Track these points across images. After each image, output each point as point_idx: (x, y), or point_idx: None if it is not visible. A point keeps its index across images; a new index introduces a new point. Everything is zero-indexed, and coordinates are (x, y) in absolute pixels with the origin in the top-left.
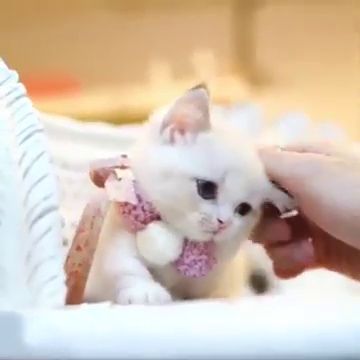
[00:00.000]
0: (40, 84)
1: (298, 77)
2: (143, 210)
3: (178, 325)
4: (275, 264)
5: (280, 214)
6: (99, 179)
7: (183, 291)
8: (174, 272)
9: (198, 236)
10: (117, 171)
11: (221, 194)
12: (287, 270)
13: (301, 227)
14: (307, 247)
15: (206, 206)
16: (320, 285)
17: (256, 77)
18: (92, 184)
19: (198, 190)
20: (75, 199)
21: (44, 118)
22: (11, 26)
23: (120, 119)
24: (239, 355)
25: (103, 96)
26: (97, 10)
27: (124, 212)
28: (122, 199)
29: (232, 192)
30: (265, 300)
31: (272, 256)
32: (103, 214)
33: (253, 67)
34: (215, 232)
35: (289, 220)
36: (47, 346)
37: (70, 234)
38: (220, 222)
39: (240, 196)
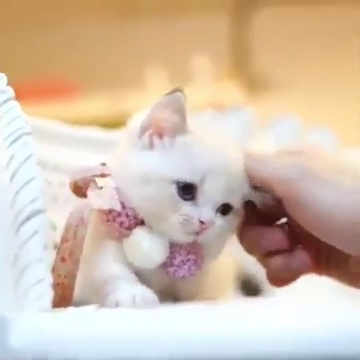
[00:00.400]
0: (38, 88)
1: (295, 82)
2: (127, 216)
3: (163, 327)
4: (270, 273)
5: (274, 222)
6: (79, 189)
7: (171, 293)
8: (162, 275)
9: (181, 238)
10: (97, 180)
11: (201, 195)
12: (282, 278)
13: (290, 233)
14: (303, 255)
15: (187, 208)
16: (313, 288)
17: (253, 82)
18: None
19: (178, 192)
20: (67, 203)
21: (36, 122)
22: (10, 31)
23: (117, 123)
24: (224, 357)
25: (100, 100)
26: (95, 15)
27: (108, 220)
28: (106, 207)
29: (212, 193)
30: (251, 302)
31: (266, 266)
32: (86, 223)
33: (250, 72)
34: (197, 233)
35: (283, 228)
36: (32, 348)
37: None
38: (201, 223)
39: (220, 197)
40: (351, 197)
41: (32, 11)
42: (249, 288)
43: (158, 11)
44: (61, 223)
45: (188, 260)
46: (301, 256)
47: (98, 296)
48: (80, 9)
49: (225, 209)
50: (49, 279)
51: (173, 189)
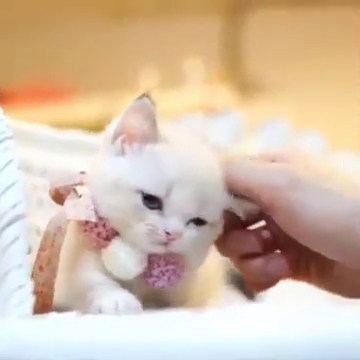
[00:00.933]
0: (33, 91)
1: (287, 85)
2: (104, 227)
3: (143, 335)
4: (246, 277)
5: (247, 225)
6: (59, 197)
7: (157, 300)
8: (143, 284)
9: (149, 248)
10: (78, 188)
11: (167, 207)
12: (260, 283)
13: (269, 238)
14: (280, 260)
15: (153, 217)
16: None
17: (245, 85)
18: None
19: (143, 201)
20: (52, 207)
21: (23, 126)
22: (5, 34)
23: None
24: None
25: (95, 103)
26: (89, 18)
27: (86, 230)
28: (81, 218)
29: (179, 205)
30: (234, 309)
31: (242, 269)
32: (63, 232)
33: (242, 75)
34: (165, 244)
35: (257, 231)
36: (11, 355)
37: None
38: (168, 234)
39: (189, 209)
40: (340, 205)
41: (27, 14)
42: (248, 290)
43: (151, 14)
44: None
45: (167, 271)
46: (278, 261)
47: (82, 302)
48: (74, 12)
49: (199, 220)
50: (30, 285)
51: (138, 198)
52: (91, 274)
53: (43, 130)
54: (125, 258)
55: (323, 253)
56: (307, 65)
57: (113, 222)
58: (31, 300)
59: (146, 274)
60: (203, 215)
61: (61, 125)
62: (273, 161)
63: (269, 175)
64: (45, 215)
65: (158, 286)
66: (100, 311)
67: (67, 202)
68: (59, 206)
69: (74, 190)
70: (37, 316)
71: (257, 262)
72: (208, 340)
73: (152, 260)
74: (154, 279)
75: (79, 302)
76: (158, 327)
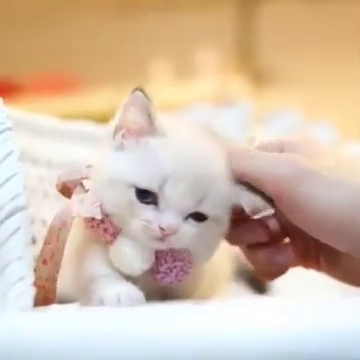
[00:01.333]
0: (43, 83)
1: (301, 75)
2: (111, 223)
3: (140, 326)
4: (255, 267)
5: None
6: (67, 190)
7: (165, 296)
8: (151, 280)
9: (148, 244)
10: (85, 182)
11: (162, 202)
12: (269, 272)
13: (277, 227)
14: (287, 249)
15: (147, 213)
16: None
17: (258, 75)
18: None
19: (137, 196)
20: (58, 199)
21: (28, 117)
22: (14, 27)
23: None
24: (197, 356)
25: (104, 95)
26: (99, 9)
27: (92, 226)
28: (87, 215)
29: (174, 200)
30: (235, 301)
31: (250, 259)
32: (68, 226)
33: (255, 65)
34: (161, 239)
35: (264, 221)
36: (11, 347)
37: None
38: (162, 229)
39: (185, 204)
40: (348, 196)
41: (36, 7)
42: (252, 279)
43: (163, 4)
44: (50, 218)
45: (175, 267)
46: (285, 251)
47: (86, 294)
48: (85, 3)
49: (199, 215)
50: (30, 277)
51: (132, 193)
52: (96, 267)
53: (50, 121)
54: (131, 255)
55: (329, 244)
56: (320, 56)
57: (113, 218)
58: (32, 292)
59: (154, 270)
60: (202, 210)
61: (71, 117)
62: (282, 149)
63: (273, 165)
64: (51, 207)
65: (166, 282)
66: (102, 303)
67: (74, 197)
68: (66, 199)
69: (81, 184)
70: (38, 308)
71: (265, 252)
72: (208, 331)
73: (159, 256)
74: (162, 275)
75: (84, 295)
76: (157, 318)
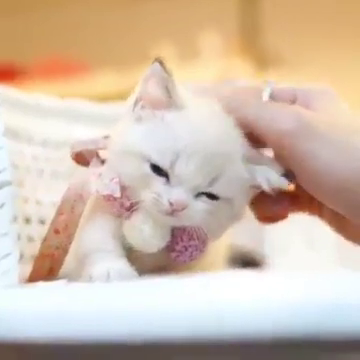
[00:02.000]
0: (49, 67)
1: (305, 58)
2: (128, 198)
3: (123, 304)
4: (254, 212)
5: None
6: (82, 159)
7: (162, 269)
8: (159, 256)
9: (157, 218)
10: (100, 153)
11: (173, 177)
12: (267, 217)
13: None
14: (284, 202)
15: (159, 186)
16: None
17: (262, 59)
18: (70, 162)
19: (151, 168)
20: (53, 178)
21: (23, 96)
22: (21, 11)
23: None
24: (179, 330)
25: (108, 79)
26: None
27: (109, 199)
28: (105, 192)
29: (185, 178)
30: (219, 276)
31: (249, 205)
32: (85, 200)
33: (259, 48)
34: (171, 214)
35: None
36: None
37: (49, 214)
38: (171, 204)
39: (197, 182)
40: (347, 157)
41: None
42: (248, 264)
43: None
44: (46, 198)
45: (190, 246)
46: (283, 202)
47: (80, 268)
48: None
49: (211, 194)
50: (16, 253)
51: (146, 165)
52: (96, 238)
53: (46, 100)
54: (149, 232)
55: (327, 204)
56: (325, 39)
57: (129, 191)
58: (17, 269)
59: (168, 248)
60: (214, 191)
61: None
62: (295, 98)
63: (278, 118)
64: (46, 186)
65: (180, 261)
66: (91, 279)
67: (91, 170)
68: (66, 176)
69: (97, 155)
70: (24, 285)
71: (263, 202)
72: (187, 305)
73: (176, 234)
74: (177, 253)
75: (78, 267)
76: (141, 294)
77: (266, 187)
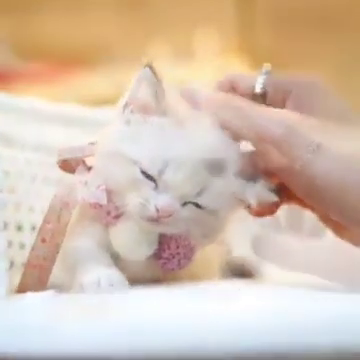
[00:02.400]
0: (40, 68)
1: (301, 58)
2: (114, 206)
3: (110, 316)
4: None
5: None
6: (68, 167)
7: (152, 277)
8: (147, 265)
9: (141, 223)
10: (87, 160)
11: (161, 184)
12: (257, 211)
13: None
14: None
15: (148, 190)
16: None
17: (258, 58)
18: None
19: (141, 172)
20: (45, 183)
21: (15, 100)
22: (16, 10)
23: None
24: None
25: (104, 78)
26: None
27: (95, 207)
28: (91, 200)
29: (173, 186)
30: (205, 286)
31: None
32: (71, 208)
33: (255, 48)
34: (155, 220)
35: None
36: None
37: (41, 221)
38: (157, 210)
39: (184, 192)
40: (332, 164)
41: None
42: (240, 273)
43: None
44: (38, 204)
45: (178, 253)
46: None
47: (69, 277)
48: None
49: (198, 204)
50: (4, 264)
51: (136, 169)
52: (85, 246)
53: (37, 104)
54: (136, 240)
55: (318, 208)
56: (320, 38)
57: (115, 196)
58: (5, 280)
59: (156, 256)
60: (201, 202)
61: (71, 101)
62: (290, 90)
63: (267, 126)
64: (38, 192)
65: (168, 268)
66: (82, 288)
67: (77, 177)
68: (57, 181)
69: (83, 162)
70: (13, 296)
71: None
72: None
73: (163, 241)
74: (164, 261)
75: (67, 275)
76: (127, 306)
77: (254, 202)
